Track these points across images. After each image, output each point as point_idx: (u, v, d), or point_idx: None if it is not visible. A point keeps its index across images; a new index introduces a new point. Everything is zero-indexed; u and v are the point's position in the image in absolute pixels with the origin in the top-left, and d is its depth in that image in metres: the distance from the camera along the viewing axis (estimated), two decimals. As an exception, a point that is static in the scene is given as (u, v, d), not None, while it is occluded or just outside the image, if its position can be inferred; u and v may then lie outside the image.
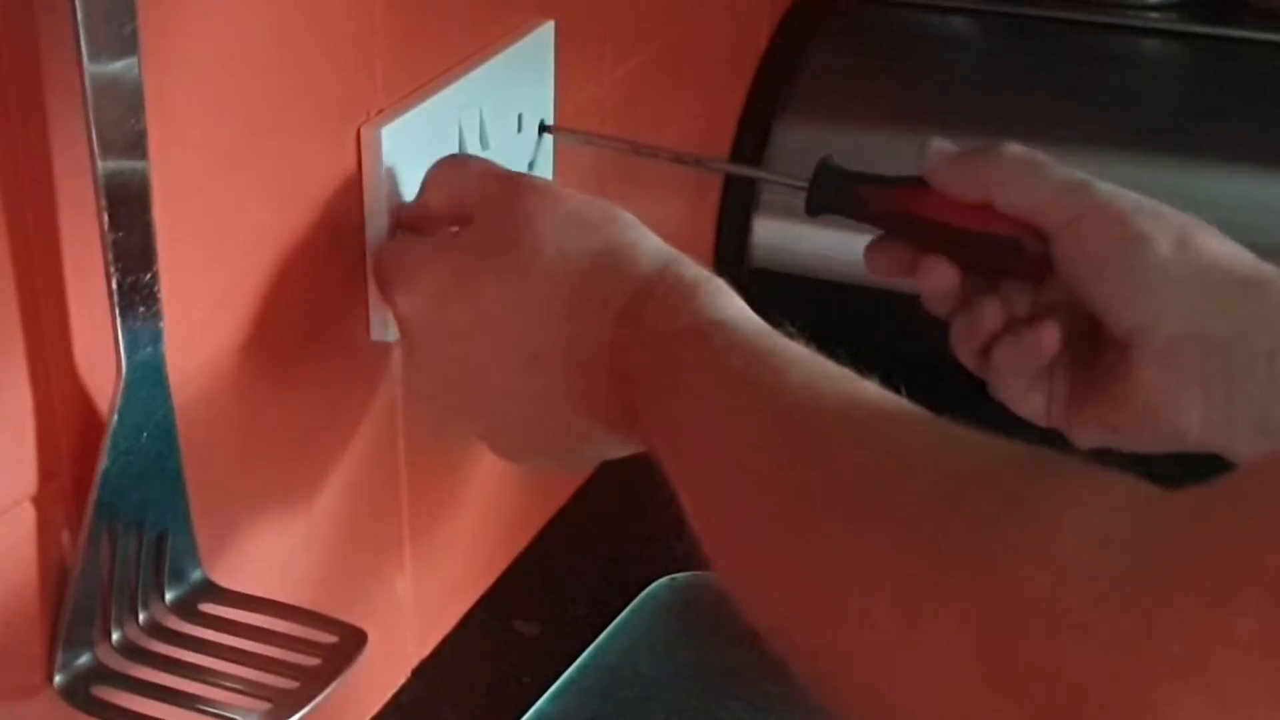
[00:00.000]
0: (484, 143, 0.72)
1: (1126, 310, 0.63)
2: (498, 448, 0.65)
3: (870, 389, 0.50)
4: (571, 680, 0.78)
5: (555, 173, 0.79)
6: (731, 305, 0.56)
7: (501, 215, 0.61)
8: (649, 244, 0.60)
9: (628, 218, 0.61)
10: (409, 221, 0.66)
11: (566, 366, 0.59)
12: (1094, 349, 0.66)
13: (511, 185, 0.62)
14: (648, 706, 0.78)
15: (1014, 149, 0.65)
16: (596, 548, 0.89)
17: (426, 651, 0.80)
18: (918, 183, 0.67)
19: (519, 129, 0.75)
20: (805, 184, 0.70)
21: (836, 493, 0.46)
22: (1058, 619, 0.37)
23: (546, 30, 0.76)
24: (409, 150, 0.67)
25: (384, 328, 0.68)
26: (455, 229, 0.63)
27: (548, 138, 0.77)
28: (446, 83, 0.69)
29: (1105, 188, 0.64)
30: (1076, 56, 1.11)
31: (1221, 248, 0.63)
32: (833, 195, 0.70)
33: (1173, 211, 0.64)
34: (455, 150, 0.70)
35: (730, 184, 1.04)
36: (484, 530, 0.84)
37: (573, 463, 0.65)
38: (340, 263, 0.66)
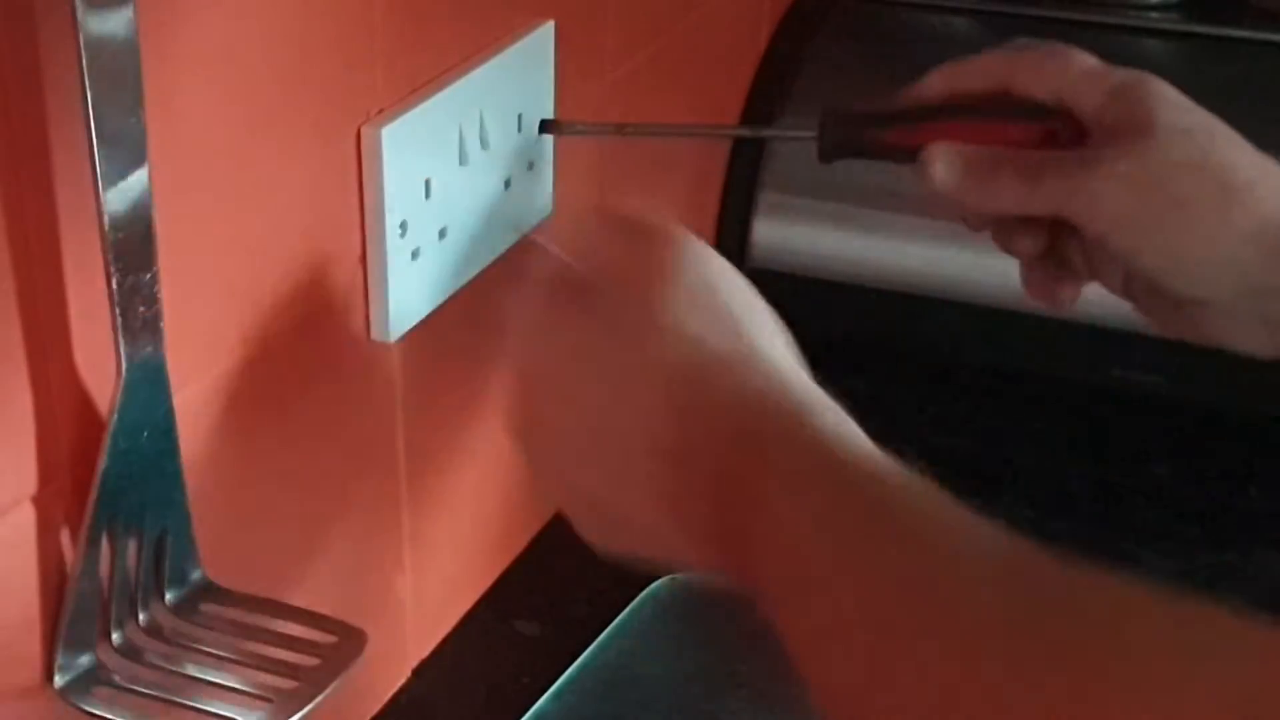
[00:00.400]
0: (484, 143, 0.72)
1: (1175, 282, 0.61)
2: (580, 525, 0.60)
3: (996, 533, 0.47)
4: (571, 680, 0.78)
5: (556, 173, 0.79)
6: (851, 433, 0.52)
7: (624, 295, 0.56)
8: (772, 352, 0.55)
9: (756, 309, 0.56)
10: (547, 272, 0.60)
11: (669, 472, 0.54)
12: None
13: (638, 258, 0.57)
14: (648, 707, 0.78)
15: (1011, 163, 0.64)
16: (596, 548, 0.89)
17: (426, 651, 0.80)
18: (928, 115, 0.66)
19: (519, 129, 0.75)
20: (814, 134, 0.70)
21: (968, 635, 0.45)
22: None
23: (546, 30, 0.76)
24: (409, 150, 0.67)
25: (384, 328, 0.68)
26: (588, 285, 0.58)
27: (547, 137, 0.77)
28: (446, 83, 0.69)
29: (1122, 165, 0.61)
30: (1076, 56, 1.11)
31: (1264, 204, 0.60)
32: (843, 139, 0.69)
33: (1205, 164, 0.61)
34: (455, 151, 0.70)
35: (731, 183, 1.04)
36: (484, 530, 0.84)
37: (647, 562, 0.61)
38: (341, 262, 0.66)
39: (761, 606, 0.50)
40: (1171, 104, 0.62)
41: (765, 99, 1.05)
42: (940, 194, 0.65)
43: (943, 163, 0.65)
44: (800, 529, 0.50)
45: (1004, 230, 0.67)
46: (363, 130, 0.64)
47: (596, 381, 0.56)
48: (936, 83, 0.68)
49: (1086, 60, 0.65)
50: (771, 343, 0.55)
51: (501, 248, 0.76)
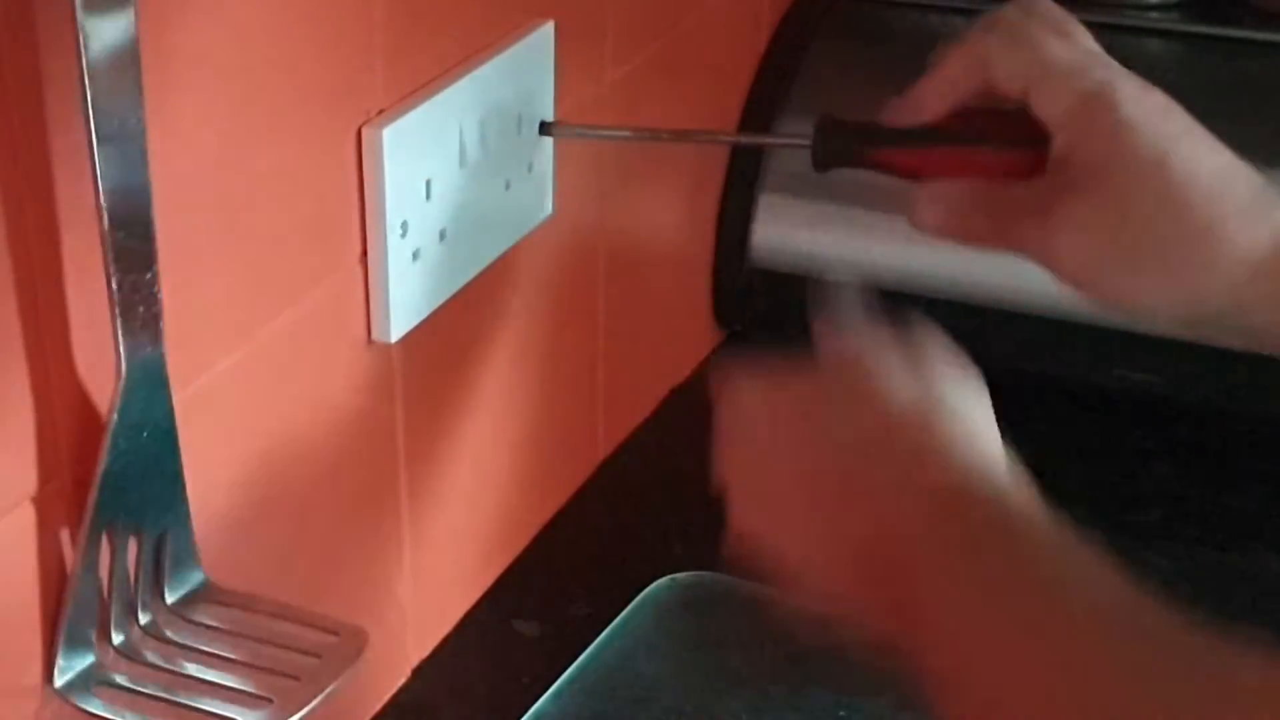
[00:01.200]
0: (484, 144, 0.72)
1: (1139, 316, 0.62)
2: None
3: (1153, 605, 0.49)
4: (571, 680, 0.78)
5: (555, 173, 0.79)
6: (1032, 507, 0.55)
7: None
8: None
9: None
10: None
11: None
12: None
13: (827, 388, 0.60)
14: (648, 706, 0.78)
15: (985, 208, 0.64)
16: (596, 548, 0.89)
17: (426, 651, 0.80)
18: (922, 138, 0.67)
19: (519, 130, 0.75)
20: (808, 142, 0.70)
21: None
22: None
23: (546, 30, 0.76)
24: (409, 150, 0.67)
25: (384, 328, 0.68)
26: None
27: (547, 138, 0.77)
28: (447, 83, 0.69)
29: (1088, 215, 0.61)
30: (1076, 56, 1.11)
31: (1232, 242, 0.59)
32: (838, 150, 0.69)
33: (1172, 203, 0.60)
34: (455, 151, 0.70)
35: (731, 184, 1.04)
36: (484, 530, 0.84)
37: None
38: (341, 262, 0.66)
39: (907, 648, 0.51)
40: (1140, 128, 0.60)
41: (765, 99, 1.05)
42: (924, 232, 0.66)
43: (928, 206, 0.66)
44: (972, 604, 0.51)
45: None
46: (363, 130, 0.64)
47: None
48: (928, 98, 0.67)
49: (1054, 51, 0.63)
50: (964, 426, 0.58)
51: (501, 248, 0.76)
